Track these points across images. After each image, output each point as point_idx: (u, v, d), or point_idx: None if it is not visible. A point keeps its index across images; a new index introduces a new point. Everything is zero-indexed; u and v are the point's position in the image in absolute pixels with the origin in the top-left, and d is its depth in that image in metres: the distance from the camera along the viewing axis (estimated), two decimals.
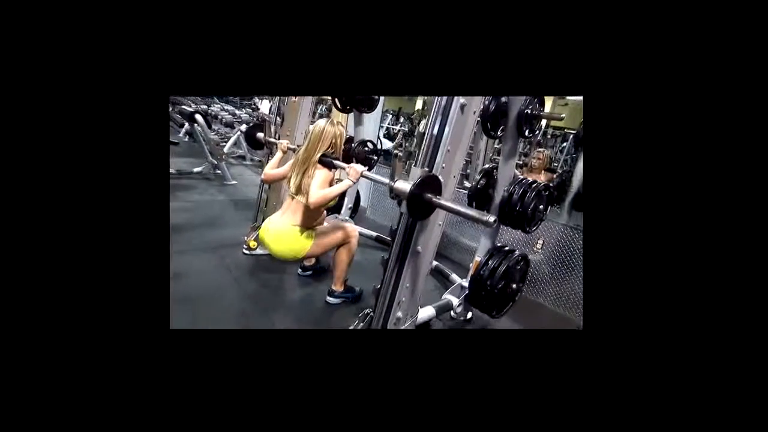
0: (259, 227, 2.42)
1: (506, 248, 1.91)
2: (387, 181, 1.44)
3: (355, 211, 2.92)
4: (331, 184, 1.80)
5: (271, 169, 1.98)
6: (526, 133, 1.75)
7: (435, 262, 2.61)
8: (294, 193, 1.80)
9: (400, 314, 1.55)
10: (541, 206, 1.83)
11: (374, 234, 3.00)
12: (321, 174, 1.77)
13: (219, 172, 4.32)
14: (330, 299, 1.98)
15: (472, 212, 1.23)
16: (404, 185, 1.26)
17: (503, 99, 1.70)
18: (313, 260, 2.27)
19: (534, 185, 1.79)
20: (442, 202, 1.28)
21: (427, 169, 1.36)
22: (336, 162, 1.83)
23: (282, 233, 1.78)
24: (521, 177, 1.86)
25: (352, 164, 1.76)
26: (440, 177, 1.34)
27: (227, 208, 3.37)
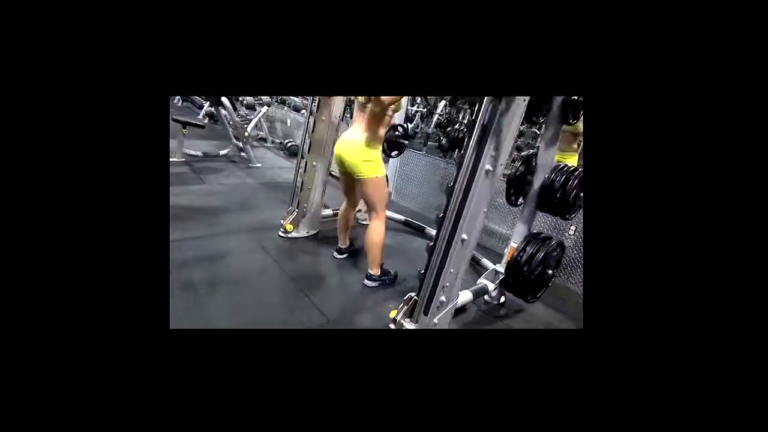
0: (294, 211, 2.48)
1: (543, 235, 1.92)
2: None
3: None
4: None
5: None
6: (571, 120, 1.73)
7: None
8: (364, 102, 1.87)
9: (443, 298, 1.60)
10: (582, 194, 1.83)
11: (403, 218, 3.03)
12: None
13: (244, 155, 4.37)
14: (368, 282, 2.05)
15: None
16: None
17: None
18: (348, 242, 2.33)
19: (576, 172, 1.78)
20: None
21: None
22: None
23: (353, 146, 1.87)
24: (562, 164, 1.85)
25: None
26: (489, 166, 1.37)
27: (257, 191, 3.44)
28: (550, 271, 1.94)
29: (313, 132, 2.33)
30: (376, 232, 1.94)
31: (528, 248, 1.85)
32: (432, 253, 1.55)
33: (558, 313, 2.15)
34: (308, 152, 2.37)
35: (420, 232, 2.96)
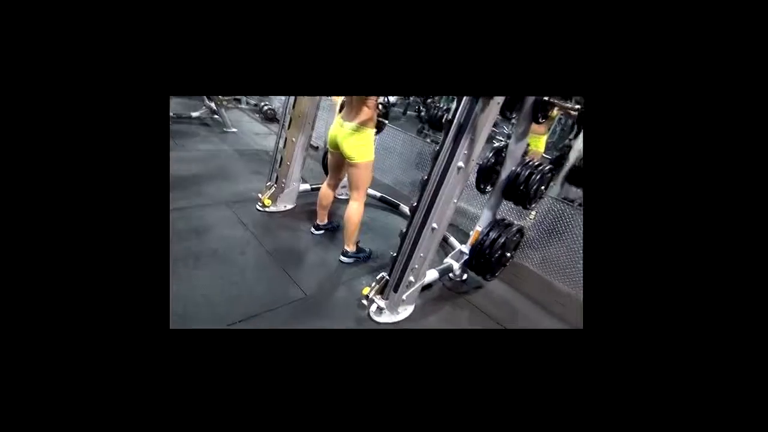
0: (273, 186, 2.53)
1: (506, 221, 2.11)
2: None
3: None
4: None
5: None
6: (540, 119, 1.86)
7: None
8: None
9: (412, 278, 1.77)
10: (543, 187, 2.01)
11: (379, 194, 3.14)
12: None
13: (217, 117, 4.23)
14: (343, 259, 2.19)
15: None
16: None
17: None
18: (326, 219, 2.43)
19: (539, 167, 1.94)
20: None
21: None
22: None
23: (349, 128, 1.93)
24: (528, 159, 2.00)
25: None
26: (461, 163, 1.49)
27: (233, 160, 3.41)
28: (509, 254, 2.16)
29: (293, 108, 2.33)
30: (354, 212, 2.05)
31: (491, 233, 2.03)
32: (404, 239, 1.69)
33: (512, 288, 2.40)
34: (288, 128, 2.39)
35: (395, 208, 3.10)
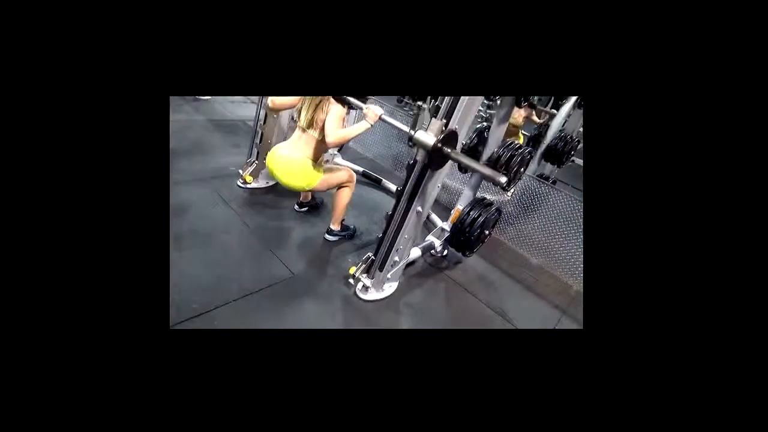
0: (254, 163, 2.48)
1: (485, 201, 2.20)
2: (406, 129, 1.56)
3: (341, 146, 3.01)
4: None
5: (278, 98, 1.98)
6: (523, 102, 1.90)
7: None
8: (305, 127, 1.84)
9: (396, 258, 1.84)
10: (523, 169, 2.08)
11: (361, 170, 3.14)
12: (336, 110, 1.77)
13: None
14: (329, 237, 2.22)
15: (486, 171, 1.44)
16: (427, 137, 1.41)
17: None
18: (309, 196, 2.43)
19: (520, 150, 2.00)
20: (460, 158, 1.47)
21: (444, 121, 1.48)
22: (352, 100, 1.82)
23: (294, 166, 1.87)
24: (509, 141, 2.05)
25: (369, 105, 1.79)
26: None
27: (209, 131, 3.27)
28: (487, 232, 2.27)
29: None
30: (344, 196, 2.08)
31: (472, 212, 2.12)
32: (390, 221, 1.74)
33: (488, 263, 2.53)
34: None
35: (377, 183, 3.12)
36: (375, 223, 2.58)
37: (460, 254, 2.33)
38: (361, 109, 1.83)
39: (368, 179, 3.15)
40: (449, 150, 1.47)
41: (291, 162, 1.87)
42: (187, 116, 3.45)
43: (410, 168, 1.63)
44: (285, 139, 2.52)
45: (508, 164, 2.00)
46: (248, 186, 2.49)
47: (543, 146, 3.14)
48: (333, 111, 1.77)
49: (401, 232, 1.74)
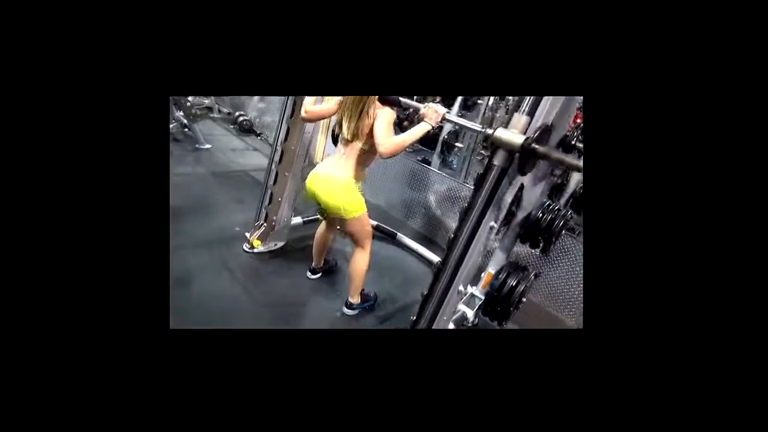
0: (262, 225, 2.26)
1: (521, 265, 1.98)
2: (477, 127, 1.36)
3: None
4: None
5: (312, 105, 1.71)
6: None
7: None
8: (350, 139, 1.60)
9: (445, 318, 1.59)
10: (563, 231, 1.89)
11: (374, 223, 2.94)
12: (385, 114, 1.51)
13: (188, 131, 3.84)
14: (348, 311, 1.96)
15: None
16: (512, 135, 1.15)
17: None
18: (321, 261, 2.20)
19: (561, 212, 1.82)
20: (564, 157, 1.24)
21: (528, 117, 1.20)
22: (405, 100, 1.55)
23: (337, 186, 1.63)
24: (548, 202, 1.87)
25: (429, 103, 1.51)
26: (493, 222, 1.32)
27: (210, 185, 3.08)
28: (524, 299, 2.03)
29: (285, 140, 2.08)
30: (360, 264, 1.84)
31: (509, 280, 1.89)
32: (425, 302, 1.51)
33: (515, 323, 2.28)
34: (280, 162, 2.13)
35: (392, 238, 2.91)
36: (395, 286, 2.33)
37: (495, 323, 2.08)
38: (416, 110, 1.56)
39: (382, 233, 2.94)
40: (544, 149, 1.16)
41: (334, 181, 1.64)
42: (189, 168, 3.27)
43: (450, 243, 1.41)
44: (295, 199, 2.34)
45: (549, 229, 1.81)
46: (255, 251, 2.26)
47: (566, 194, 2.98)
48: (381, 116, 1.51)
49: (439, 313, 1.50)
